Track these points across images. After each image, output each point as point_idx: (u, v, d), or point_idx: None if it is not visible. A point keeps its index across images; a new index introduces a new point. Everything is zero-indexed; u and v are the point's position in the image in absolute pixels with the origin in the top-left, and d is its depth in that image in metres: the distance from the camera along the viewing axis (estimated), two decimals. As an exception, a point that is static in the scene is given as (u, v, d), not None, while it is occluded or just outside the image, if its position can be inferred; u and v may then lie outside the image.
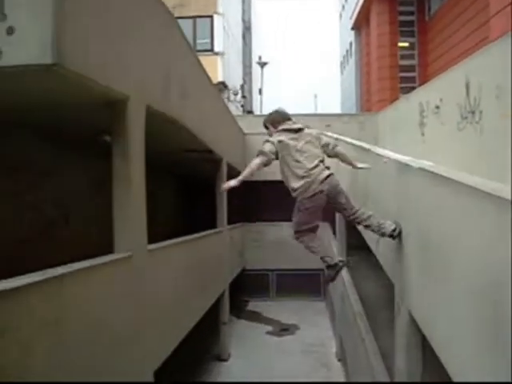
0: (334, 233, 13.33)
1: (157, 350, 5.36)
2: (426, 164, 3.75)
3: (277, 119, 5.52)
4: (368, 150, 6.48)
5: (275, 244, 17.33)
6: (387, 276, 5.08)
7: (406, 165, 4.18)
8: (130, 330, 4.55)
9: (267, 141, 5.27)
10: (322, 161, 5.24)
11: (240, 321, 15.48)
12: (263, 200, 18.17)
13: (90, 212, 8.95)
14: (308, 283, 17.54)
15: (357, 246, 10.68)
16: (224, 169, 11.31)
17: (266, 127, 5.63)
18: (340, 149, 5.52)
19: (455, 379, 2.71)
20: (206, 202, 13.30)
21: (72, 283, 3.34)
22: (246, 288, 17.59)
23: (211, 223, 11.27)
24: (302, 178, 5.08)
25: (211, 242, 9.84)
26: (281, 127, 5.39)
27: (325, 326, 14.52)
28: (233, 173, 13.30)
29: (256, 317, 15.95)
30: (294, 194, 5.20)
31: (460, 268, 2.64)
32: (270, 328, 14.71)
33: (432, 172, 3.37)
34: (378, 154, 5.81)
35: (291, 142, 5.20)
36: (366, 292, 10.12)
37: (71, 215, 8.33)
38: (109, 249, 4.59)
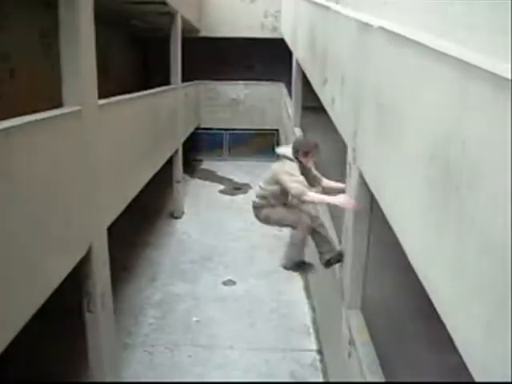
0: (290, 94, 13.24)
1: (109, 207, 5.38)
2: (387, 24, 3.64)
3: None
4: (327, 8, 6.27)
5: (230, 103, 17.20)
6: (341, 138, 5.11)
7: (366, 24, 4.06)
8: (81, 187, 4.52)
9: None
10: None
11: (193, 180, 15.67)
12: (221, 57, 17.79)
13: (37, 65, 8.60)
14: (261, 143, 17.67)
15: (312, 107, 10.66)
16: (179, 23, 10.84)
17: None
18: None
19: (400, 237, 2.80)
20: (162, 59, 12.92)
21: (20, 137, 3.24)
22: (200, 147, 17.64)
23: (165, 80, 11.01)
24: None
25: (165, 99, 9.66)
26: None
27: (277, 186, 14.81)
28: (187, 27, 12.88)
29: (209, 176, 16.15)
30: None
31: (414, 130, 2.65)
32: (222, 187, 14.95)
33: (392, 32, 3.29)
34: (337, 12, 5.63)
35: None
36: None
37: (17, 69, 7.99)
38: (58, 104, 4.45)
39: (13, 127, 3.13)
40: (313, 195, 5.17)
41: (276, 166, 5.61)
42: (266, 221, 5.77)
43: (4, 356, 2.96)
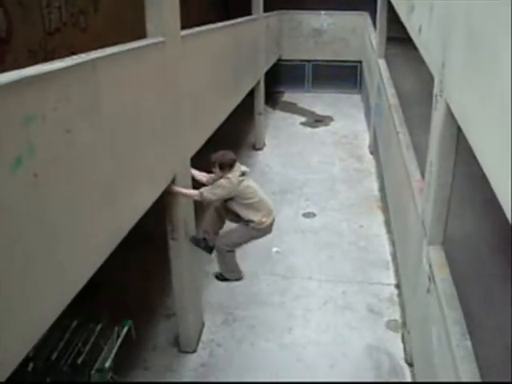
0: (374, 24, 12.82)
1: (192, 137, 5.46)
2: None
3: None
4: None
5: (313, 34, 16.87)
6: (427, 70, 4.93)
7: None
8: (165, 118, 4.60)
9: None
10: None
11: (275, 111, 15.64)
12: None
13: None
14: (344, 75, 17.33)
15: (397, 38, 10.33)
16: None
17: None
18: None
19: (488, 174, 2.72)
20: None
21: (105, 68, 3.30)
22: (281, 79, 17.48)
23: (248, 12, 10.87)
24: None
25: (246, 30, 9.56)
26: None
27: (359, 119, 14.62)
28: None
29: (291, 108, 16.06)
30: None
31: (508, 59, 2.52)
32: (304, 119, 14.85)
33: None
34: None
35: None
36: (403, 86, 9.97)
37: (101, 2, 8.07)
38: (141, 36, 4.48)
39: (98, 58, 3.18)
40: None
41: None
42: None
43: (94, 280, 3.12)
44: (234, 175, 5.57)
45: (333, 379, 5.29)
